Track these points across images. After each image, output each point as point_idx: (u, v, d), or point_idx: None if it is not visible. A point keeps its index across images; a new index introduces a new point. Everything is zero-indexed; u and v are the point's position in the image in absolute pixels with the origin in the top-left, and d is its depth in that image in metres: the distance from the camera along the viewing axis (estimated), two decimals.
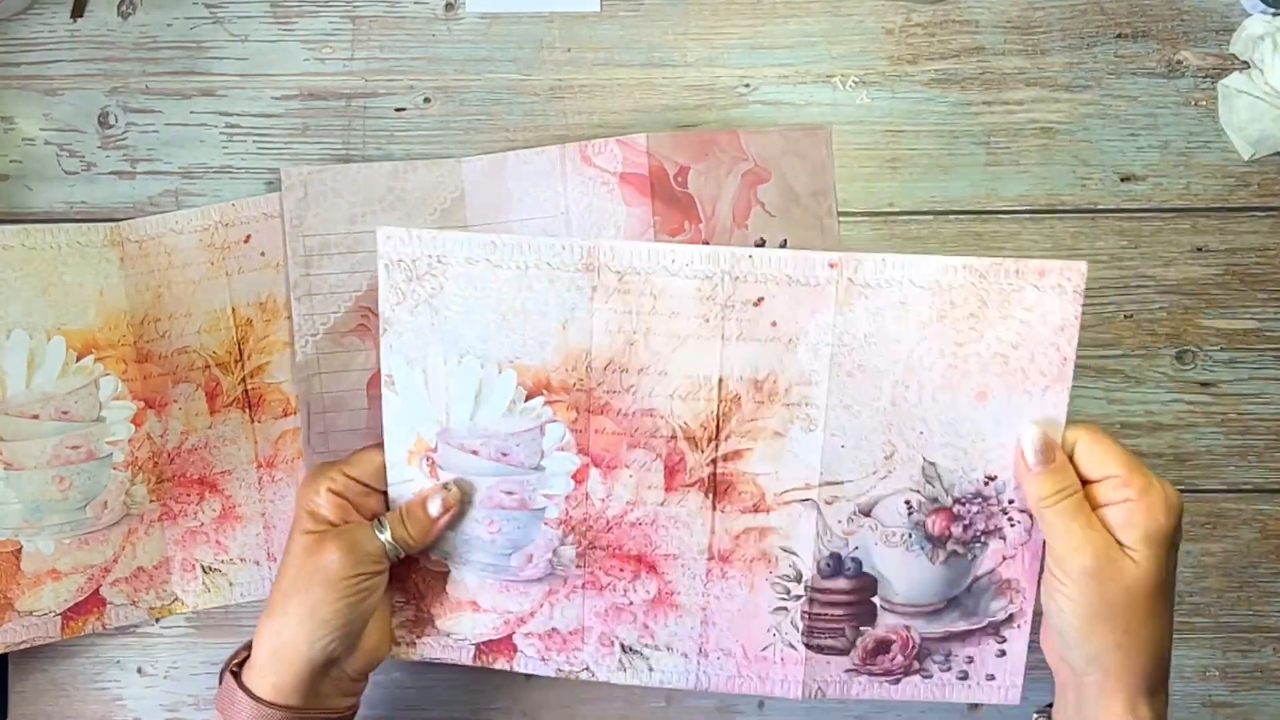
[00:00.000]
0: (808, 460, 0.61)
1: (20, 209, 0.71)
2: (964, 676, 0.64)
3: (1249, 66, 0.71)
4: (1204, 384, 0.72)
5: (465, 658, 0.65)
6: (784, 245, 0.70)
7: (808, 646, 0.63)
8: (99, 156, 0.71)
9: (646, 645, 0.64)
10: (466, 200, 0.70)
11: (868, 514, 0.61)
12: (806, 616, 0.63)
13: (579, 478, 0.62)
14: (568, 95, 0.72)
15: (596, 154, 0.69)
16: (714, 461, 0.61)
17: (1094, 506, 0.57)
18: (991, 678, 0.64)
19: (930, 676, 0.64)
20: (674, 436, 0.61)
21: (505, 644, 0.65)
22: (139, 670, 0.71)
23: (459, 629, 0.65)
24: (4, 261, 0.66)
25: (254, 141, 0.72)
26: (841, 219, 0.71)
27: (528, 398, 0.61)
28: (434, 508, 0.61)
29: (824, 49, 0.72)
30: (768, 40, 0.72)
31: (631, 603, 0.64)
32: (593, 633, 0.64)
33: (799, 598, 0.63)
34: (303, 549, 0.60)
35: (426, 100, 0.72)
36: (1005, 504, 0.61)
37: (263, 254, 0.70)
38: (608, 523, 0.62)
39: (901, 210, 0.72)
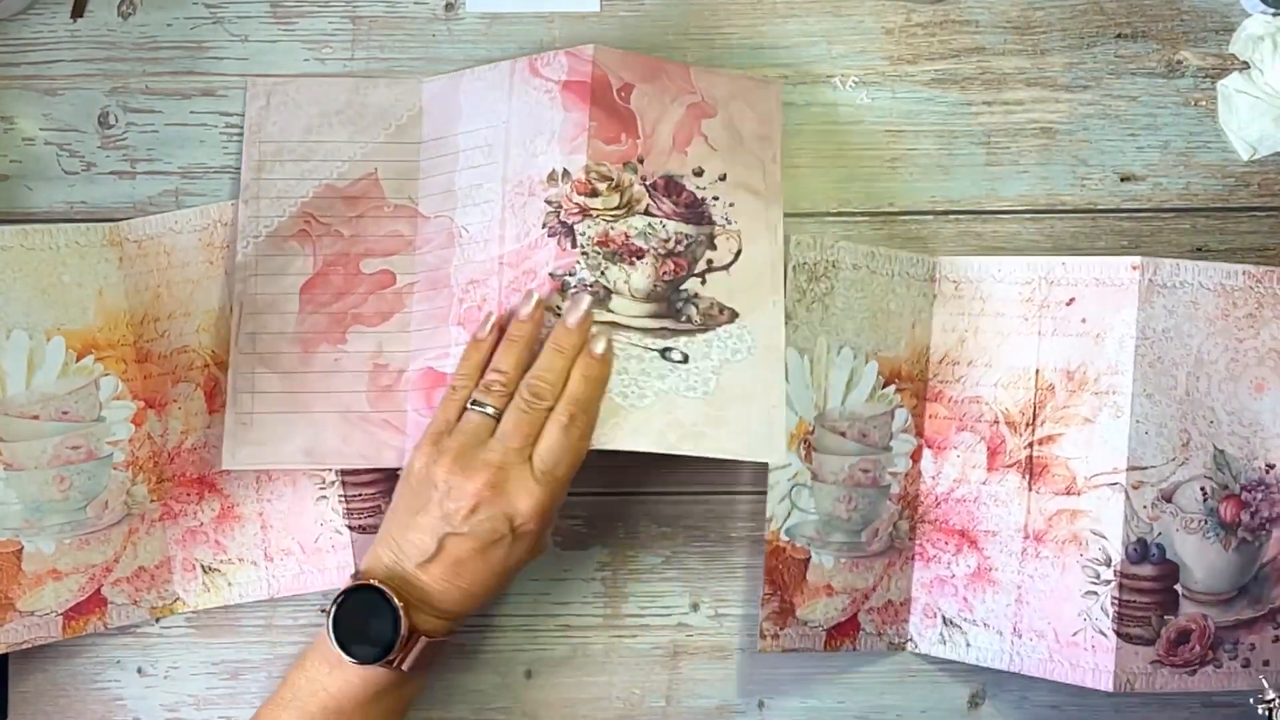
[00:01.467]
0: (1116, 445, 0.66)
1: (20, 209, 0.71)
2: (1246, 664, 0.67)
3: (1249, 66, 0.71)
4: None
5: (818, 645, 0.69)
6: (724, 179, 0.68)
7: (1118, 634, 0.66)
8: (99, 156, 0.71)
9: (965, 619, 0.69)
10: (424, 117, 0.70)
11: (1169, 500, 0.66)
12: (1116, 603, 0.66)
13: (915, 457, 0.70)
14: None
15: (545, 65, 0.69)
16: (1030, 445, 0.68)
17: None
18: (1267, 664, 0.67)
19: (1220, 666, 0.67)
20: (996, 421, 0.69)
21: (850, 624, 0.69)
22: (139, 670, 0.71)
23: (815, 616, 0.69)
24: (4, 261, 0.66)
25: None
26: (842, 219, 0.71)
27: (884, 385, 0.69)
28: None
29: (824, 49, 0.72)
30: (768, 40, 0.72)
31: (954, 575, 0.69)
32: (919, 603, 0.70)
33: (1109, 582, 0.66)
34: (529, 544, 0.62)
35: None
36: None
37: None
38: (936, 499, 0.70)
39: (901, 210, 0.72)
